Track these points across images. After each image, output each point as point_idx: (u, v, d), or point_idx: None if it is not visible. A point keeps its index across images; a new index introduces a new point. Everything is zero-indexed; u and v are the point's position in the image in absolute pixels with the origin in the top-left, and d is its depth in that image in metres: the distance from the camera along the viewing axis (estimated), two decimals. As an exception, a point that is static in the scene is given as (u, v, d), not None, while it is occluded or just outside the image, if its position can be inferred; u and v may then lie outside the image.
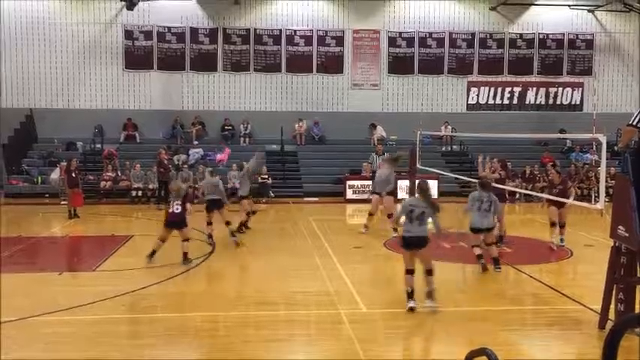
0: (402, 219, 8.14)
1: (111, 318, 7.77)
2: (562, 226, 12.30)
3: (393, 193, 14.26)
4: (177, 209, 10.85)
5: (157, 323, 7.72)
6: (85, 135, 22.75)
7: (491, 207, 10.24)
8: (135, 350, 6.73)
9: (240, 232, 14.47)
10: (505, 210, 13.14)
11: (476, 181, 13.61)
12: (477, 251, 10.46)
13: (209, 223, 13.10)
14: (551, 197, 11.97)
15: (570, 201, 11.90)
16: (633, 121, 6.75)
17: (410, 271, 7.99)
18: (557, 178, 12.49)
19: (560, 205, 12.02)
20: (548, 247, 12.24)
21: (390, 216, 13.69)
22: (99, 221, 16.62)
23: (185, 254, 10.76)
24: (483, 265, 10.26)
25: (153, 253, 10.73)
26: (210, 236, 12.95)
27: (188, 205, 11.26)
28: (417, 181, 8.92)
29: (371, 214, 14.13)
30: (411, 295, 7.91)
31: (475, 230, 10.47)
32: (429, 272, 7.98)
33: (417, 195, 8.26)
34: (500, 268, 10.36)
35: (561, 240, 12.30)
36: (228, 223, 13.06)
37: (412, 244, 7.92)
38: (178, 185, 11.80)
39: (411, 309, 7.82)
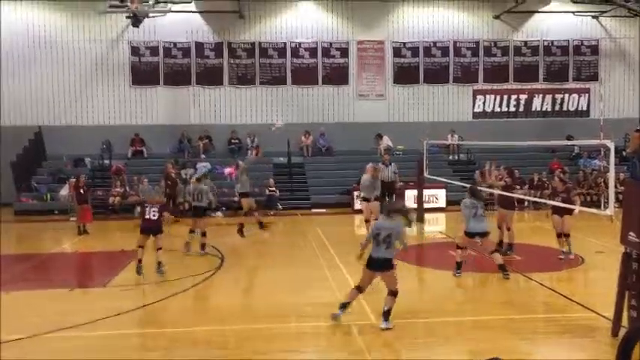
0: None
1: (122, 333, 7.78)
2: (566, 236, 12.00)
3: (380, 198, 14.57)
4: (154, 216, 11.05)
5: (168, 337, 7.72)
6: (93, 151, 22.90)
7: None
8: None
9: (262, 229, 15.03)
10: (515, 218, 13.08)
11: (484, 189, 13.62)
12: (458, 258, 10.72)
13: (192, 231, 13.32)
14: (553, 203, 11.68)
15: (577, 210, 11.56)
16: (641, 126, 6.74)
17: (359, 289, 8.02)
18: (560, 185, 12.26)
19: (562, 214, 11.78)
20: (557, 258, 12.00)
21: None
22: (108, 237, 16.67)
23: (159, 263, 11.05)
24: (459, 273, 10.62)
25: (139, 262, 10.86)
26: (200, 246, 13.09)
27: (166, 214, 11.59)
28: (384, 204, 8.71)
29: (367, 221, 14.28)
30: (344, 307, 7.92)
31: (471, 235, 10.59)
32: (392, 293, 7.81)
33: (384, 216, 8.16)
34: (508, 274, 10.34)
35: (568, 249, 12.08)
36: (204, 234, 13.20)
37: (376, 266, 7.83)
38: (159, 197, 12.08)
39: (335, 317, 7.85)
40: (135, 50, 23.73)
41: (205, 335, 7.68)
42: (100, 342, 7.43)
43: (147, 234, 11.04)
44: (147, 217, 11.04)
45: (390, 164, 18.80)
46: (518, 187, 14.72)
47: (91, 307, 8.89)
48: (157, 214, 11.05)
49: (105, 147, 22.84)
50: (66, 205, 19.91)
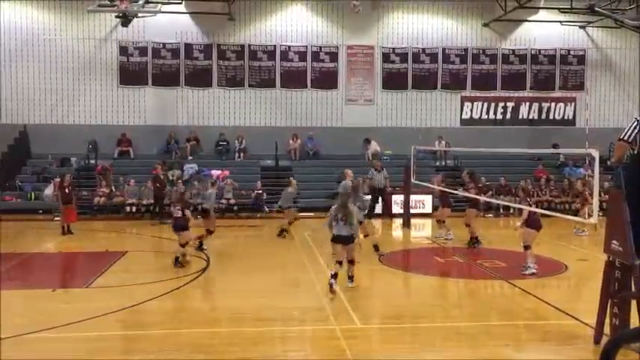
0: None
1: (105, 335, 7.72)
2: (524, 248, 11.18)
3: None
4: (178, 213, 12.21)
5: (152, 340, 7.66)
6: (80, 151, 22.70)
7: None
8: (129, 367, 6.70)
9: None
10: (473, 215, 14.36)
11: (468, 195, 13.89)
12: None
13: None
14: (515, 205, 11.64)
15: (521, 218, 11.28)
16: (624, 135, 6.79)
17: (339, 262, 9.97)
18: (521, 193, 12.15)
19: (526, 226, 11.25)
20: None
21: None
22: (93, 237, 16.54)
23: (177, 258, 11.76)
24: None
25: (176, 260, 11.80)
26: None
27: (187, 212, 12.38)
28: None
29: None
30: (334, 277, 9.67)
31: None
32: (351, 262, 10.13)
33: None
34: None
35: (526, 268, 11.11)
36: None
37: (339, 240, 9.98)
38: (178, 196, 13.13)
39: (331, 285, 9.59)
40: (123, 50, 23.60)
41: (190, 338, 7.63)
42: (83, 343, 7.36)
43: (175, 230, 12.21)
44: (175, 215, 12.30)
45: (382, 170, 18.90)
46: (478, 190, 14.82)
47: (74, 308, 8.81)
48: (180, 212, 12.14)
49: (91, 147, 22.67)
50: (50, 205, 19.74)
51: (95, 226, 18.50)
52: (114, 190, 20.93)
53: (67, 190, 16.76)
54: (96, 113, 23.59)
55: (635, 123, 6.75)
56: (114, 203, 20.57)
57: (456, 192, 15.41)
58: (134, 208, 20.21)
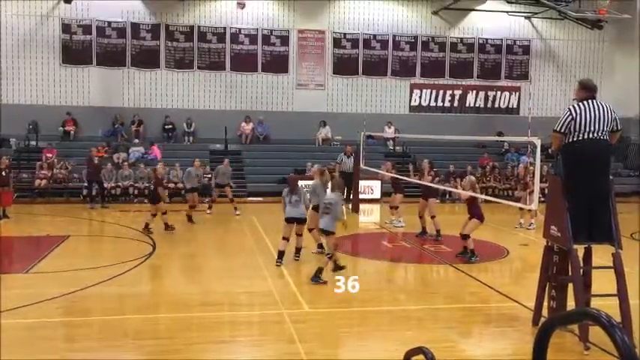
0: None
1: (45, 322, 7.50)
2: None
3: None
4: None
5: (95, 326, 7.51)
6: (20, 131, 21.83)
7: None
8: (71, 354, 6.53)
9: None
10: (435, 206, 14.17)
11: (417, 181, 14.08)
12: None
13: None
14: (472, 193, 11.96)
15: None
16: (557, 127, 7.02)
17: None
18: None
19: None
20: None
21: None
22: (33, 221, 16.01)
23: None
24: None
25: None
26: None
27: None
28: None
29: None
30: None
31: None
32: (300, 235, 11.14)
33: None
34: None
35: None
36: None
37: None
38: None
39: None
40: (66, 28, 22.73)
41: (135, 324, 7.50)
42: (22, 331, 7.13)
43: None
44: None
45: (352, 155, 18.86)
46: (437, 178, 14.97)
47: (12, 295, 8.50)
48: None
49: (31, 127, 21.83)
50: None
51: (36, 209, 17.91)
52: (55, 172, 20.25)
53: (3, 173, 16.10)
54: (37, 93, 22.71)
55: (567, 113, 6.95)
56: (56, 187, 19.91)
57: (407, 178, 15.55)
58: (77, 192, 19.62)
